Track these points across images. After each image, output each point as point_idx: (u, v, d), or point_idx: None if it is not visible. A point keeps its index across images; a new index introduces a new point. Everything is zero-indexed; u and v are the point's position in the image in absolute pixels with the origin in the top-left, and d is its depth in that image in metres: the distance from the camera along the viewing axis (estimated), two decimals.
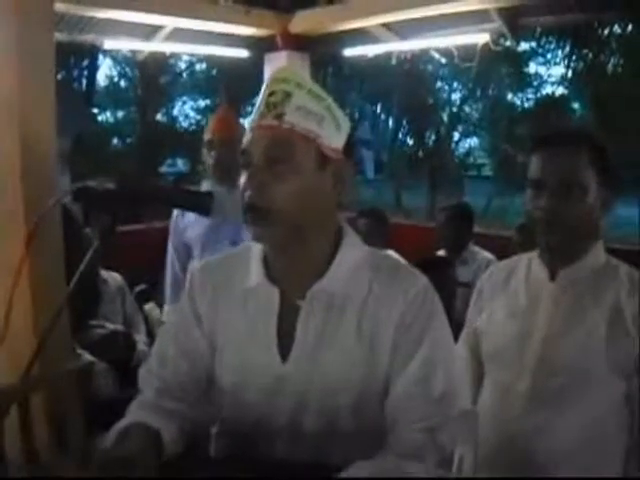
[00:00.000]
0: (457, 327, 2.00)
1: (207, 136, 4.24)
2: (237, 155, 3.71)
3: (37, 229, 2.19)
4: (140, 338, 4.80)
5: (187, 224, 4.35)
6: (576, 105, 22.83)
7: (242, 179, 1.83)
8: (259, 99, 1.84)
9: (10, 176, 2.76)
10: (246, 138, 1.84)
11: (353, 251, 1.93)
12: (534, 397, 2.22)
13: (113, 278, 5.14)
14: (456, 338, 1.92)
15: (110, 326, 4.66)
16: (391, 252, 5.57)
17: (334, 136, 1.84)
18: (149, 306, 5.30)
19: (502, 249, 5.85)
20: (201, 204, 2.04)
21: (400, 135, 25.22)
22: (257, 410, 1.92)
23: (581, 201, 2.25)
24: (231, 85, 19.37)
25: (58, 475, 1.87)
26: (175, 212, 4.40)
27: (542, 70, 21.74)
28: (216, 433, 2.08)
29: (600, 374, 2.18)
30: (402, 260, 4.49)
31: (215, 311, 1.99)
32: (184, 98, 25.36)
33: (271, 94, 1.80)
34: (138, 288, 5.25)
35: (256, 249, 1.97)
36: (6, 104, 2.79)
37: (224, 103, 16.44)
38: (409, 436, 1.76)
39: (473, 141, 26.10)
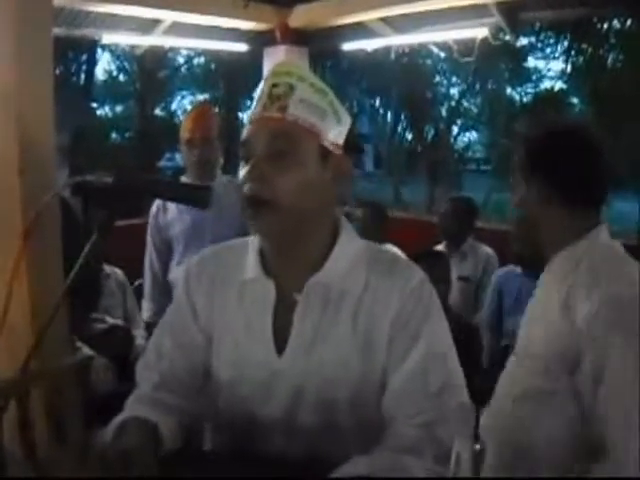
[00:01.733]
0: (453, 321, 1.99)
1: (186, 135, 4.24)
2: (218, 152, 3.75)
3: (35, 223, 2.19)
4: (139, 333, 4.82)
5: (169, 221, 4.33)
6: (575, 100, 22.82)
7: (242, 171, 1.82)
8: (260, 91, 1.84)
9: (8, 171, 2.76)
10: (246, 130, 1.84)
11: (350, 245, 1.94)
12: None
13: (114, 273, 5.17)
14: (453, 331, 1.90)
15: (110, 320, 4.69)
16: (389, 246, 5.58)
17: (336, 130, 1.85)
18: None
19: (501, 243, 5.87)
20: (200, 197, 2.03)
21: (399, 129, 25.19)
22: (253, 404, 1.92)
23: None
24: (230, 79, 19.36)
25: (56, 469, 1.87)
26: (155, 208, 4.37)
27: (541, 65, 21.75)
28: (212, 427, 2.09)
29: None
30: (400, 254, 4.50)
31: (211, 304, 1.99)
32: (183, 92, 25.37)
33: (274, 86, 1.80)
34: (137, 282, 5.25)
35: (253, 242, 1.97)
36: (4, 99, 2.78)
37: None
38: (406, 431, 1.76)
39: (472, 135, 26.13)
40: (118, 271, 5.25)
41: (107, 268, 5.04)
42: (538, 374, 2.19)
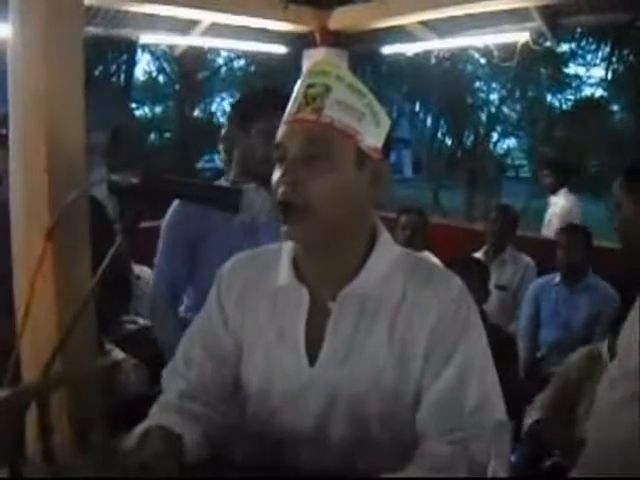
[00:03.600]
0: (489, 330, 1.92)
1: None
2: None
3: (59, 222, 2.16)
4: None
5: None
6: (616, 107, 22.67)
7: (275, 174, 1.76)
8: (295, 91, 1.78)
9: (36, 170, 2.74)
10: (281, 131, 1.78)
11: (387, 253, 1.87)
12: None
13: (144, 272, 5.14)
14: (489, 341, 1.85)
15: (141, 321, 4.66)
16: (426, 253, 5.54)
17: (374, 134, 1.77)
18: None
19: (538, 251, 5.82)
20: (229, 201, 1.98)
21: (439, 134, 25.16)
22: (283, 415, 1.87)
23: None
24: (269, 81, 19.38)
25: (73, 476, 1.83)
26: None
27: (581, 71, 21.63)
28: (240, 438, 2.03)
29: None
30: (437, 262, 4.44)
31: (242, 311, 1.94)
32: (222, 94, 25.47)
33: (310, 86, 1.74)
34: None
35: (286, 248, 1.91)
36: (34, 99, 2.76)
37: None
38: (440, 448, 1.70)
39: (511, 142, 26.03)
40: (148, 270, 5.22)
41: (136, 268, 5.02)
42: (635, 378, 2.16)
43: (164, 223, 3.11)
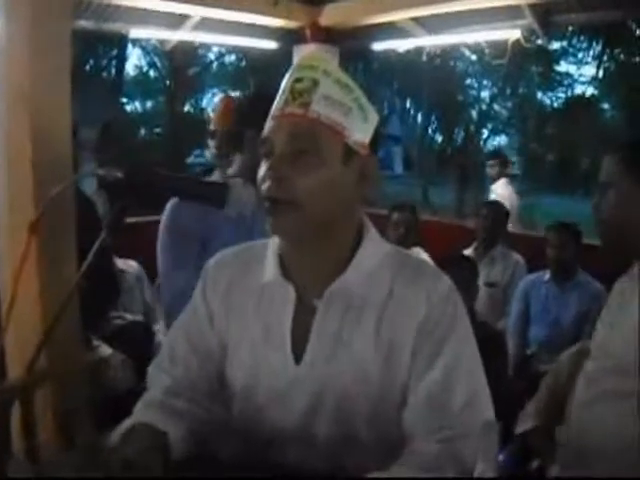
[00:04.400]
0: (478, 327, 1.91)
1: (211, 127, 4.18)
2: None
3: (43, 215, 2.14)
4: (159, 328, 4.77)
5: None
6: (606, 105, 22.74)
7: (261, 169, 1.74)
8: (283, 86, 1.76)
9: (22, 165, 2.72)
10: (267, 126, 1.76)
11: (374, 249, 1.85)
12: None
13: (130, 266, 5.11)
14: (477, 339, 1.83)
15: (129, 317, 4.64)
16: (418, 249, 5.53)
17: (361, 129, 1.75)
18: None
19: (528, 248, 5.83)
20: (215, 196, 1.97)
21: (429, 131, 25.20)
22: (268, 412, 1.85)
23: None
24: (259, 77, 19.38)
25: (57, 473, 1.81)
26: None
27: (573, 69, 21.71)
28: (225, 435, 2.01)
29: None
30: (427, 259, 4.42)
31: (228, 308, 1.92)
32: (213, 89, 25.45)
33: (297, 80, 1.72)
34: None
35: (272, 244, 1.90)
36: (19, 93, 2.75)
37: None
38: (427, 447, 1.68)
39: (502, 139, 26.08)
40: (133, 264, 5.18)
41: (120, 263, 4.97)
42: (616, 374, 2.15)
43: (164, 223, 3.00)
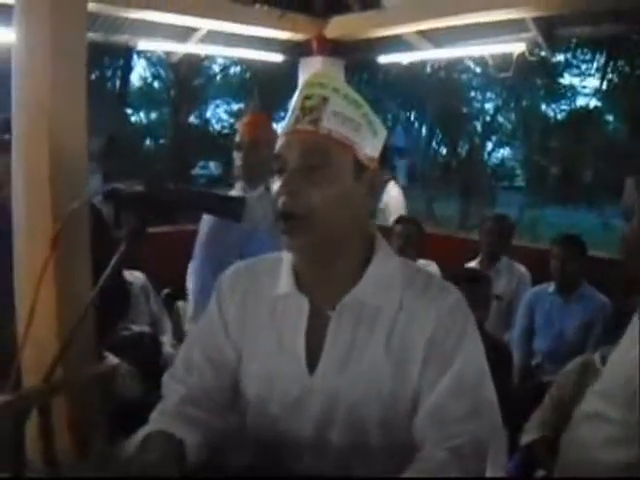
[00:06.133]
0: (484, 339, 1.94)
1: (237, 138, 4.21)
2: (264, 158, 3.57)
3: (62, 231, 2.17)
4: (167, 340, 4.79)
5: None
6: (610, 117, 22.69)
7: (275, 185, 1.78)
8: (293, 103, 1.80)
9: (39, 178, 2.75)
10: (279, 142, 1.80)
11: (386, 262, 1.89)
12: None
13: (136, 277, 5.11)
14: (488, 354, 1.86)
15: (136, 328, 4.65)
16: (428, 262, 5.54)
17: (371, 144, 1.80)
18: (181, 304, 5.25)
19: (533, 261, 5.83)
20: (232, 209, 2.00)
21: (433, 144, 25.13)
22: (282, 421, 1.89)
23: None
24: (264, 89, 19.37)
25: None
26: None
27: (576, 81, 21.64)
28: (239, 444, 2.04)
29: None
30: (437, 272, 4.44)
31: (243, 318, 1.96)
32: (217, 101, 25.40)
33: (307, 98, 1.76)
34: (165, 291, 5.22)
35: (286, 257, 1.93)
36: (38, 107, 2.77)
37: (255, 107, 16.39)
38: (436, 455, 1.70)
39: (506, 151, 26.00)
40: (139, 275, 5.19)
41: (126, 274, 4.99)
42: (602, 397, 2.16)
43: (202, 237, 3.08)
